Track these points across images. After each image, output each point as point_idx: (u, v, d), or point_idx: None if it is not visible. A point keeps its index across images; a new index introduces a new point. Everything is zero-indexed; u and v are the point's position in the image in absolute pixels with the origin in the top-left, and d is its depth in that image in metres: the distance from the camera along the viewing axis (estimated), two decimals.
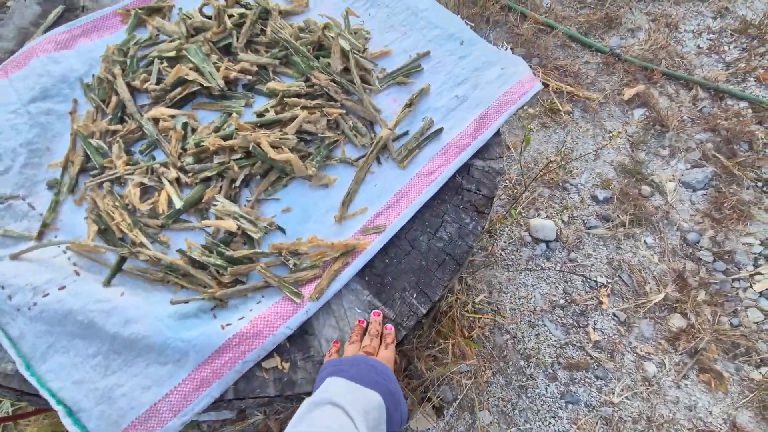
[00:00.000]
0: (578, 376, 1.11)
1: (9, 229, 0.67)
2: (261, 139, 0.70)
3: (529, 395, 1.09)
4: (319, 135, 0.76)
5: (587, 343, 1.15)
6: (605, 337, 1.15)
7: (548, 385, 1.10)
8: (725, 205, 1.30)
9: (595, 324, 1.17)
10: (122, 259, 0.65)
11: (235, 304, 0.64)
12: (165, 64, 0.81)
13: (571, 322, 1.18)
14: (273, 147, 0.72)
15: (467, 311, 1.09)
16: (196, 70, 0.80)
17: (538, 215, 1.33)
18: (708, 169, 1.37)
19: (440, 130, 0.77)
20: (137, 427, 0.55)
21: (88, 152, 0.73)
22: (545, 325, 1.17)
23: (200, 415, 0.60)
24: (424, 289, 0.67)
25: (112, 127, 0.76)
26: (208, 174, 0.71)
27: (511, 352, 1.13)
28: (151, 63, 0.81)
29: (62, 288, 0.61)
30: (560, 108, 1.51)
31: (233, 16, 0.85)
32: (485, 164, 0.77)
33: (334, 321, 0.64)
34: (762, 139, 1.40)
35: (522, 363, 1.12)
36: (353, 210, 0.71)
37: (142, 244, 0.66)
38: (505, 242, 1.29)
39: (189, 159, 0.72)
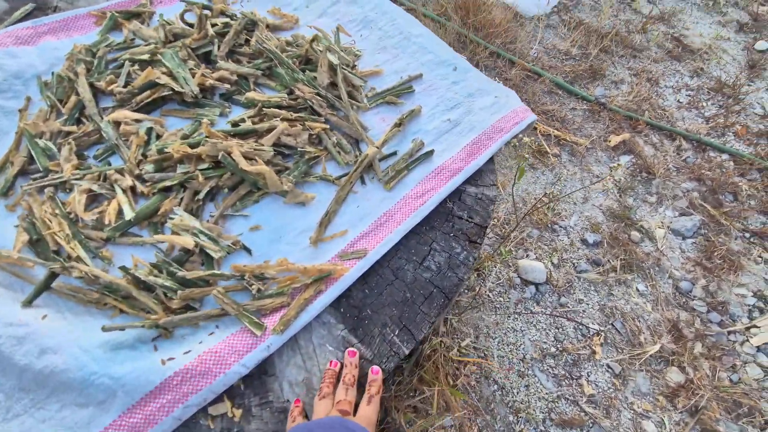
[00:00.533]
0: None
1: None
2: (233, 147, 0.63)
3: None
4: (299, 149, 0.69)
5: (581, 397, 1.05)
6: (600, 390, 1.06)
7: None
8: (715, 254, 1.27)
9: (589, 376, 1.08)
10: (52, 275, 0.55)
11: (183, 334, 0.54)
12: (136, 67, 0.75)
13: (563, 372, 1.08)
14: (246, 158, 0.64)
15: (452, 356, 0.99)
16: (170, 74, 0.73)
17: (527, 256, 1.27)
18: (696, 218, 1.35)
19: (431, 152, 0.72)
20: None
21: (33, 153, 0.64)
22: (536, 376, 1.07)
23: None
24: (407, 325, 0.58)
25: (66, 128, 0.67)
26: (168, 183, 0.63)
27: (498, 405, 1.02)
28: (122, 66, 0.75)
29: None
30: (548, 150, 1.50)
31: (216, 24, 0.81)
32: (478, 191, 0.71)
33: (301, 360, 0.54)
34: (746, 190, 1.41)
35: (511, 418, 1.01)
36: (332, 232, 0.63)
37: (78, 259, 0.56)
38: (493, 283, 1.21)
39: (149, 166, 0.64)
